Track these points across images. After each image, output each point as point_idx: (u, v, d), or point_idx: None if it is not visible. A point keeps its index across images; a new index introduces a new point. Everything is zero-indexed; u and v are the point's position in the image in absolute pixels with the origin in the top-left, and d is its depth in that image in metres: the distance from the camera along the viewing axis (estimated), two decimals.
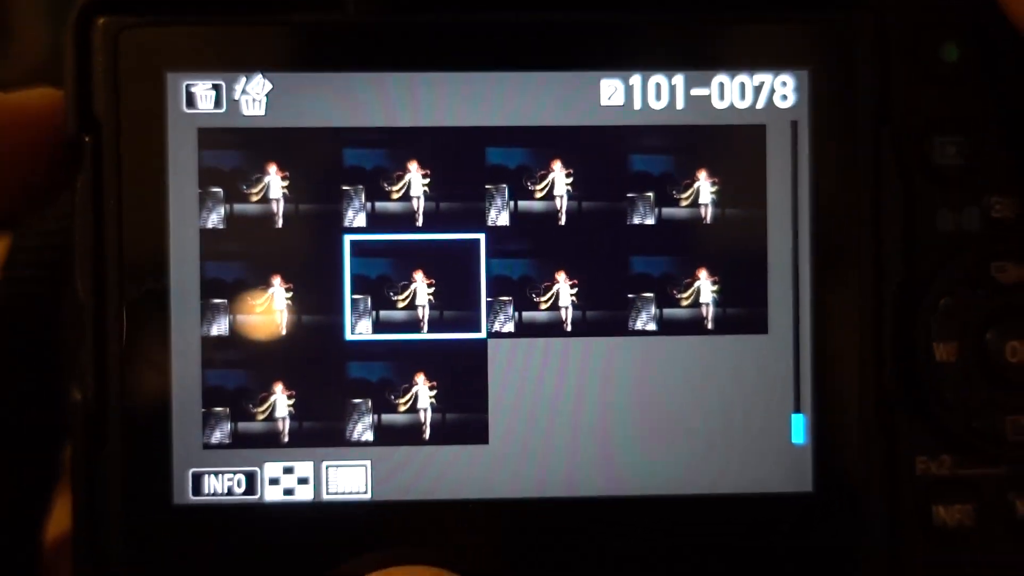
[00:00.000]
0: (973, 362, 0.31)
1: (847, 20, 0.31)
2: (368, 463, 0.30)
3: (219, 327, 0.30)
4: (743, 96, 0.31)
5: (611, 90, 0.31)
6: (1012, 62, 0.31)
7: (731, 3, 0.31)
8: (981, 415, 0.30)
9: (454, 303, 0.31)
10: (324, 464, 0.30)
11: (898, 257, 0.31)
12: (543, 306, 0.31)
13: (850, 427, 0.31)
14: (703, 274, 0.31)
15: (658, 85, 0.31)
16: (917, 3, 0.31)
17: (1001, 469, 0.31)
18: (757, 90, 0.31)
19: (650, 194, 0.31)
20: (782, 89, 0.31)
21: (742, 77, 0.31)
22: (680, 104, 0.31)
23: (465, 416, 0.30)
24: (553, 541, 0.30)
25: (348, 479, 0.30)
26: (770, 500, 0.31)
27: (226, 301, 0.30)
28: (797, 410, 0.31)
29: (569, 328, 0.31)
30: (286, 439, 0.30)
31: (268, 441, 0.30)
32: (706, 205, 0.31)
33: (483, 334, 0.31)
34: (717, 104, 0.31)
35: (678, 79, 0.31)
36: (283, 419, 0.30)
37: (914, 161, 0.31)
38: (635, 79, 0.31)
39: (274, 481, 0.30)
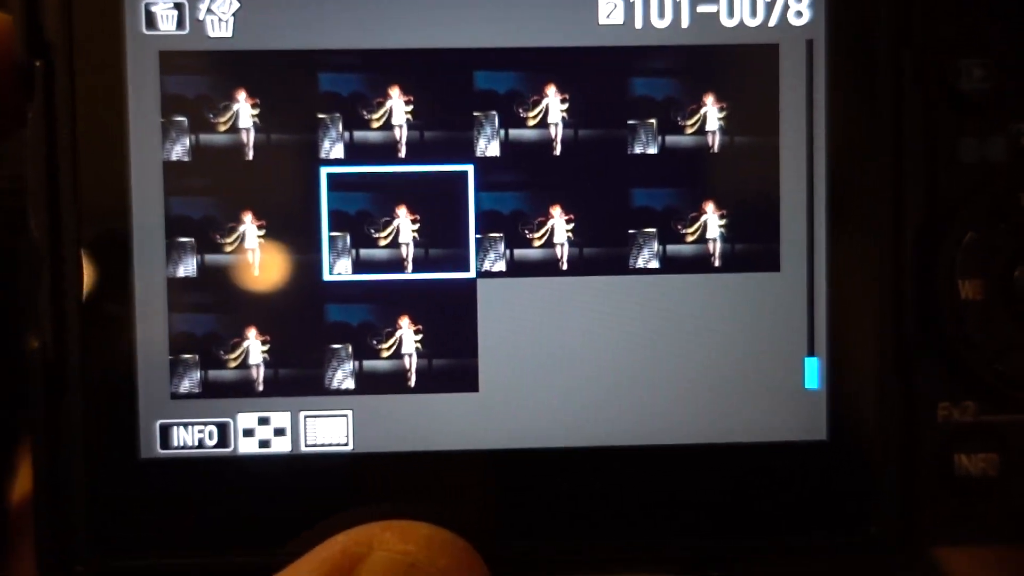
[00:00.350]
0: (1000, 300, 0.28)
1: None
2: (349, 413, 0.28)
3: (186, 268, 0.28)
4: (754, 13, 0.28)
5: (610, 7, 0.28)
6: None
7: None
8: (1008, 357, 0.28)
9: (440, 240, 0.28)
10: (302, 414, 0.28)
11: (919, 190, 0.28)
12: (537, 243, 0.28)
13: (867, 372, 0.28)
14: (710, 208, 0.28)
15: (661, 1, 0.28)
16: None
17: None
18: (769, 6, 0.28)
19: (652, 121, 0.28)
20: (796, 5, 0.28)
21: None
22: (685, 22, 0.28)
23: (453, 362, 0.28)
24: (549, 495, 0.28)
25: (328, 430, 0.28)
26: (781, 449, 0.29)
27: (193, 240, 0.28)
28: (811, 353, 0.29)
29: (565, 266, 0.28)
30: (260, 388, 0.28)
31: (241, 390, 0.28)
32: (713, 132, 0.28)
33: (472, 273, 0.28)
34: (726, 21, 0.28)
35: None
36: (257, 366, 0.28)
37: (937, 85, 0.29)
38: None
39: (248, 432, 0.28)
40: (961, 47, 0.29)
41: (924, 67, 0.28)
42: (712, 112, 0.28)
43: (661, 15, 0.28)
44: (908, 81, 0.28)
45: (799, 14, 0.28)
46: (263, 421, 0.28)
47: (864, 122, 0.28)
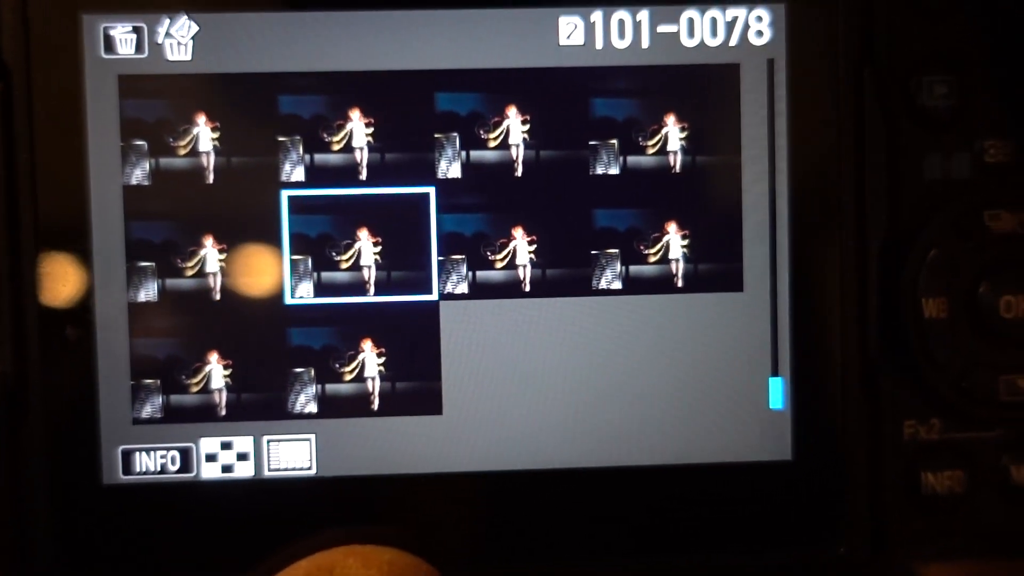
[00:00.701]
0: (964, 318, 0.28)
1: None
2: (312, 437, 0.28)
3: (147, 292, 0.28)
4: (714, 32, 0.28)
5: (570, 28, 0.28)
6: None
7: None
8: (973, 375, 0.28)
9: (402, 263, 0.28)
10: (265, 438, 0.28)
11: (883, 208, 0.28)
12: (499, 265, 0.28)
13: (832, 391, 0.28)
14: (672, 228, 0.28)
15: (621, 22, 0.28)
16: None
17: (994, 432, 0.29)
18: (730, 26, 0.28)
19: (614, 141, 0.28)
20: (757, 24, 0.28)
21: (713, 12, 0.28)
22: (646, 42, 0.28)
23: (417, 384, 0.28)
24: (514, 517, 0.28)
25: (291, 454, 0.28)
26: (747, 469, 0.28)
27: (154, 264, 0.28)
28: (775, 373, 0.28)
29: (527, 288, 0.28)
30: (223, 412, 0.28)
31: (203, 415, 0.28)
32: (675, 152, 0.28)
33: (435, 296, 0.28)
34: (686, 42, 0.28)
35: (643, 15, 0.28)
36: (219, 391, 0.28)
37: (899, 102, 0.28)
38: (596, 15, 0.28)
39: (211, 458, 0.28)
40: (923, 64, 0.29)
41: (886, 85, 0.28)
42: (673, 132, 0.28)
43: (621, 35, 0.28)
44: (870, 99, 0.28)
45: (760, 33, 0.28)
46: (226, 446, 0.28)
47: (826, 141, 0.28)
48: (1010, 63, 0.29)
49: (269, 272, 0.28)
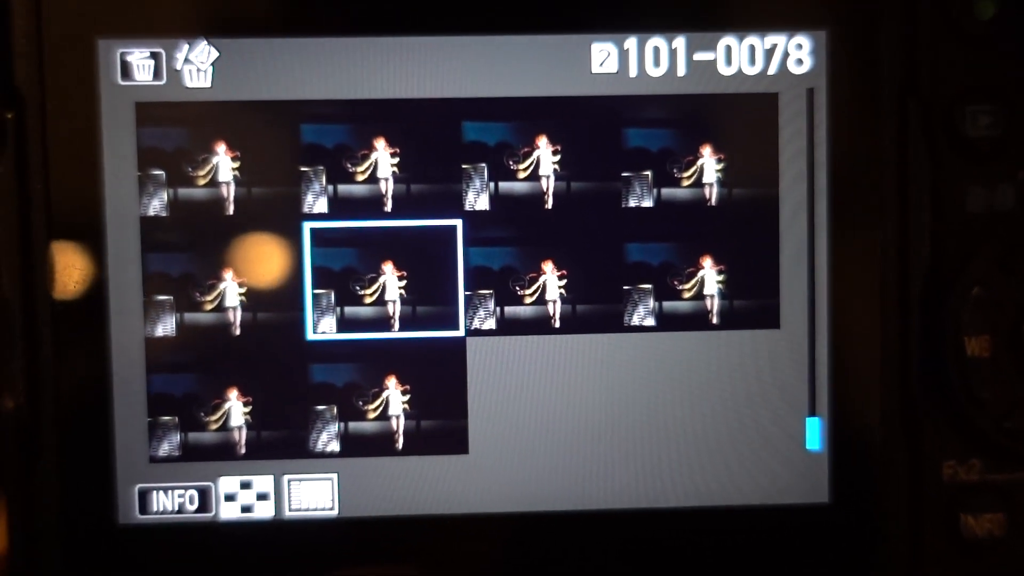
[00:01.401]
0: (1007, 357, 0.27)
1: None
2: (334, 476, 0.27)
3: (164, 327, 0.27)
4: (753, 61, 0.27)
5: (603, 55, 0.27)
6: None
7: None
8: (1015, 415, 0.27)
9: (428, 298, 0.27)
10: (286, 478, 0.27)
11: (925, 242, 0.27)
12: (528, 300, 0.27)
13: (871, 432, 0.27)
14: (707, 262, 0.27)
15: (656, 49, 0.27)
16: None
17: None
18: (769, 54, 0.27)
19: (648, 173, 0.27)
20: (797, 52, 0.27)
21: (752, 39, 0.27)
22: (681, 70, 0.27)
23: (442, 423, 0.27)
24: (542, 560, 0.28)
25: (312, 494, 0.27)
26: (783, 512, 0.28)
27: (171, 298, 0.27)
28: (812, 413, 0.28)
29: (557, 324, 0.27)
30: (243, 451, 0.27)
31: (222, 453, 0.27)
32: (711, 185, 0.27)
33: (461, 332, 0.27)
34: (723, 70, 0.27)
35: (679, 42, 0.27)
36: (239, 428, 0.27)
37: (942, 133, 0.27)
38: (630, 42, 0.27)
39: (230, 497, 0.27)
40: (967, 94, 0.28)
41: (930, 115, 0.27)
42: (709, 163, 0.27)
43: (656, 63, 0.27)
44: (914, 129, 0.27)
45: (800, 62, 0.27)
46: (245, 485, 0.27)
47: (867, 172, 0.27)
48: None
49: (290, 307, 0.27)
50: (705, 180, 0.27)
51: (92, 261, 0.27)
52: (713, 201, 0.27)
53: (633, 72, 0.27)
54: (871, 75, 0.27)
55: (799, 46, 0.27)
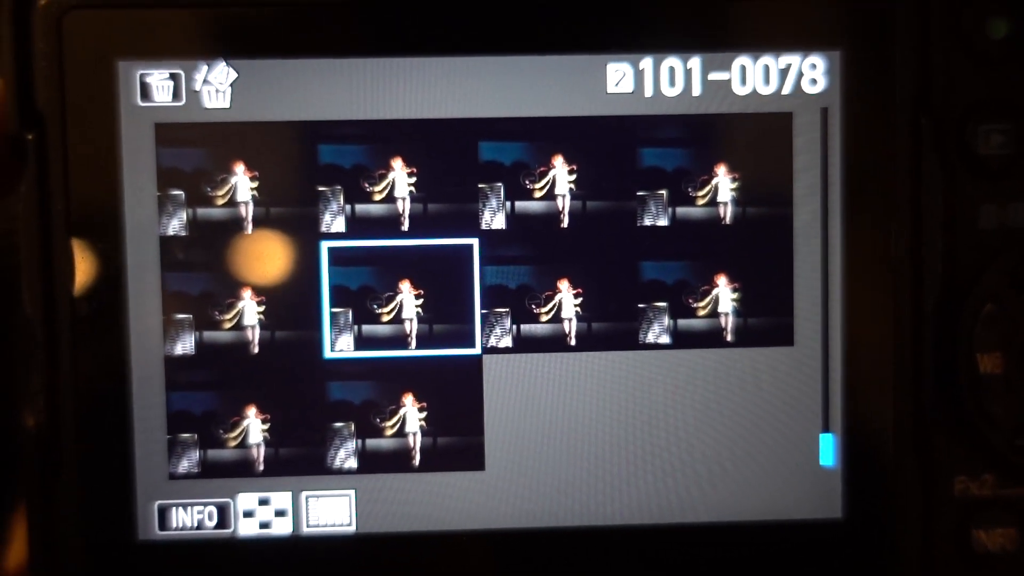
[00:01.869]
0: (1020, 373, 0.28)
1: None
2: (352, 493, 0.28)
3: (183, 345, 0.27)
4: (767, 80, 0.27)
5: (619, 75, 0.27)
6: None
7: None
8: None
9: (445, 316, 0.28)
10: (303, 494, 0.28)
11: (938, 260, 0.27)
12: (544, 318, 0.28)
13: (884, 448, 0.28)
14: (722, 281, 0.28)
15: (672, 69, 0.27)
16: None
17: None
18: (783, 73, 0.27)
19: (663, 192, 0.27)
20: (811, 72, 0.27)
21: (766, 59, 0.27)
22: (696, 90, 0.27)
23: (459, 440, 0.28)
24: None
25: (330, 510, 0.28)
26: (796, 528, 0.28)
27: (191, 316, 0.27)
28: (826, 429, 0.28)
29: (573, 342, 0.28)
30: (261, 468, 0.28)
31: (241, 470, 0.27)
32: (725, 203, 0.28)
33: (477, 350, 0.28)
34: (738, 90, 0.27)
35: (694, 62, 0.27)
36: (257, 445, 0.27)
37: (955, 151, 0.28)
38: (646, 62, 0.27)
39: (248, 514, 0.28)
40: (980, 112, 0.28)
41: (943, 133, 0.28)
42: (724, 183, 0.28)
43: (672, 83, 0.27)
44: (927, 148, 0.27)
45: (814, 82, 0.27)
46: (263, 502, 0.28)
47: (881, 191, 0.27)
48: None
49: (308, 325, 0.27)
50: (720, 199, 0.28)
51: (112, 280, 0.27)
52: (728, 220, 0.28)
53: (649, 92, 0.27)
54: (884, 94, 0.27)
55: (813, 66, 0.27)
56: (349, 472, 0.28)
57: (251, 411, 0.27)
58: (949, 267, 0.28)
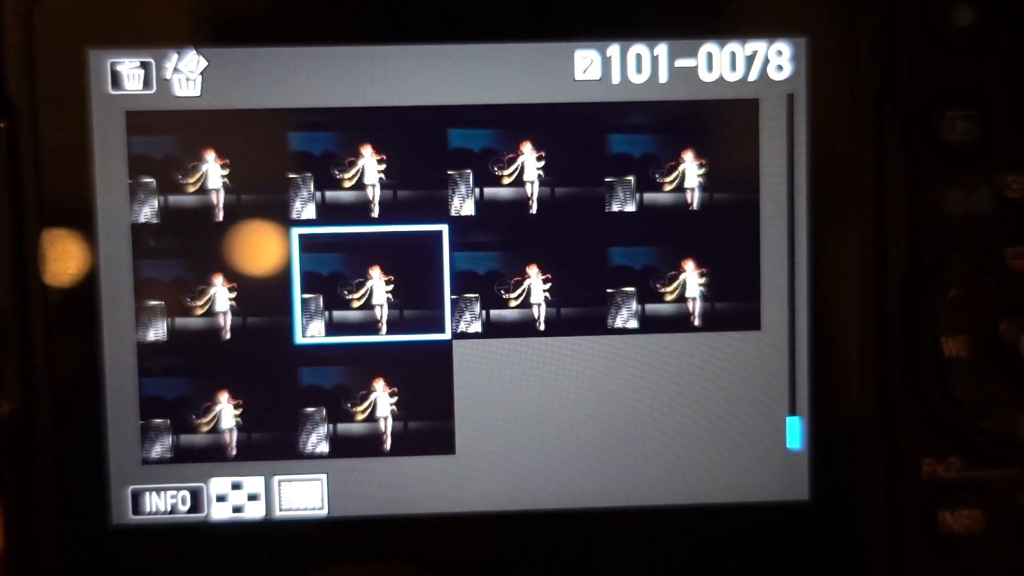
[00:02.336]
0: (984, 357, 0.28)
1: None
2: (324, 477, 0.28)
3: (156, 332, 0.27)
4: (734, 67, 0.28)
5: (586, 62, 0.27)
6: None
7: None
8: (992, 414, 0.28)
9: (415, 302, 0.28)
10: (276, 479, 0.28)
11: (903, 245, 0.28)
12: (513, 303, 0.28)
13: (850, 430, 0.28)
14: (690, 266, 0.28)
15: (639, 56, 0.27)
16: None
17: (1013, 471, 0.29)
18: (749, 60, 0.28)
19: (630, 178, 0.28)
20: (777, 59, 0.28)
21: (733, 46, 0.27)
22: (663, 77, 0.28)
23: (429, 424, 0.28)
24: (529, 558, 0.28)
25: (302, 494, 0.28)
26: (764, 510, 0.28)
27: (163, 303, 0.27)
28: (793, 413, 0.28)
29: (542, 327, 0.28)
30: (233, 452, 0.28)
31: (214, 455, 0.28)
32: (692, 189, 0.28)
33: (448, 335, 0.28)
34: (705, 76, 0.28)
35: (661, 49, 0.27)
36: (230, 431, 0.28)
37: (921, 137, 0.28)
38: (613, 49, 0.27)
39: (221, 498, 0.28)
40: (945, 98, 0.28)
41: (908, 119, 0.28)
42: (691, 168, 0.28)
43: (639, 70, 0.27)
44: (891, 134, 0.28)
45: (780, 68, 0.28)
46: (236, 486, 0.28)
47: (846, 177, 0.28)
48: None
49: (279, 311, 0.28)
50: (687, 185, 0.28)
51: (84, 267, 0.27)
52: (695, 206, 0.28)
53: (616, 79, 0.27)
54: (850, 81, 0.28)
55: (779, 52, 0.28)
56: (321, 456, 0.28)
57: (223, 397, 0.28)
58: (914, 253, 0.28)
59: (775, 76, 0.28)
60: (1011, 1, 0.28)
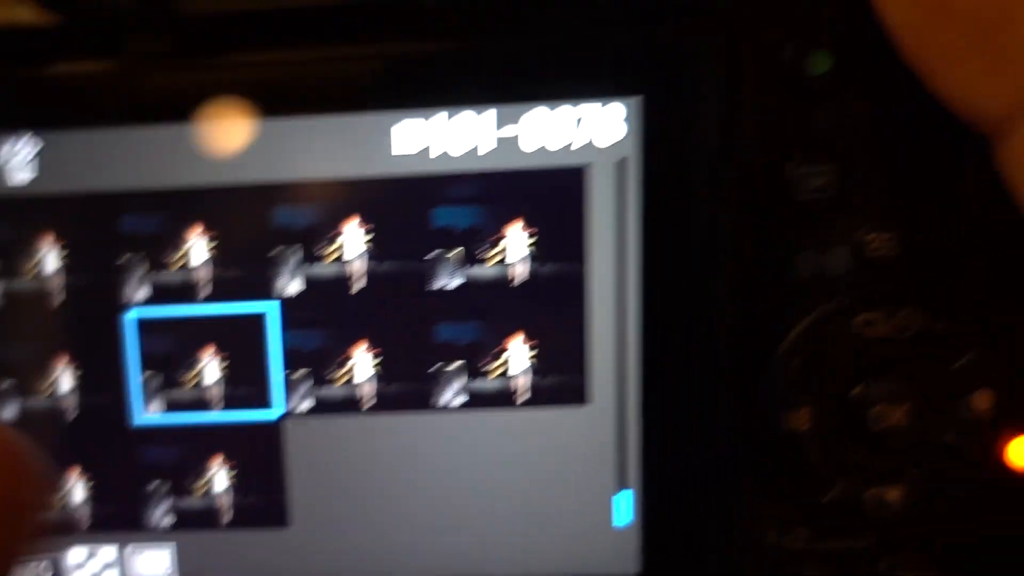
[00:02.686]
0: (829, 428, 0.27)
1: (689, 33, 0.26)
2: (173, 546, 0.29)
3: (5, 412, 0.29)
4: (559, 133, 0.27)
5: (403, 136, 0.27)
6: (889, 74, 0.26)
7: (545, 23, 0.27)
8: (837, 488, 0.27)
9: (247, 380, 0.28)
10: (129, 548, 0.29)
11: (741, 314, 0.26)
12: (340, 381, 0.28)
13: (684, 504, 0.27)
14: (517, 341, 0.27)
15: (462, 125, 0.27)
16: (781, 7, 0.26)
17: (865, 541, 0.27)
18: (579, 123, 0.27)
19: (454, 252, 0.27)
20: (608, 121, 0.26)
21: (563, 107, 0.26)
22: (484, 148, 0.27)
23: (264, 498, 0.28)
24: None
25: (154, 563, 0.29)
26: None
27: (11, 383, 0.28)
28: (623, 486, 0.27)
29: (370, 404, 0.28)
30: (88, 523, 0.29)
31: (70, 526, 0.29)
32: (518, 262, 0.27)
33: (278, 413, 0.28)
34: (529, 145, 0.27)
35: (485, 116, 0.27)
36: (83, 503, 0.29)
37: (771, 195, 0.26)
38: (437, 118, 0.27)
39: (79, 566, 0.29)
40: (799, 151, 0.27)
41: (754, 177, 0.26)
42: (520, 239, 0.27)
43: (461, 140, 0.27)
44: (731, 197, 0.26)
45: (609, 132, 0.26)
46: (92, 555, 0.29)
47: (682, 243, 0.27)
48: (894, 149, 0.27)
49: (117, 392, 0.28)
50: (513, 257, 0.27)
51: None
52: (521, 278, 0.27)
53: (434, 152, 0.27)
54: (688, 141, 0.26)
55: (611, 114, 0.26)
56: (167, 529, 0.29)
57: (74, 473, 0.29)
58: (759, 319, 0.27)
59: (604, 141, 0.27)
60: (870, 48, 0.26)
